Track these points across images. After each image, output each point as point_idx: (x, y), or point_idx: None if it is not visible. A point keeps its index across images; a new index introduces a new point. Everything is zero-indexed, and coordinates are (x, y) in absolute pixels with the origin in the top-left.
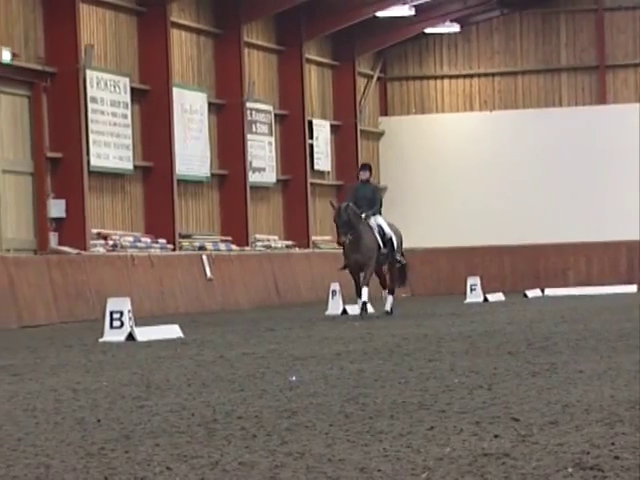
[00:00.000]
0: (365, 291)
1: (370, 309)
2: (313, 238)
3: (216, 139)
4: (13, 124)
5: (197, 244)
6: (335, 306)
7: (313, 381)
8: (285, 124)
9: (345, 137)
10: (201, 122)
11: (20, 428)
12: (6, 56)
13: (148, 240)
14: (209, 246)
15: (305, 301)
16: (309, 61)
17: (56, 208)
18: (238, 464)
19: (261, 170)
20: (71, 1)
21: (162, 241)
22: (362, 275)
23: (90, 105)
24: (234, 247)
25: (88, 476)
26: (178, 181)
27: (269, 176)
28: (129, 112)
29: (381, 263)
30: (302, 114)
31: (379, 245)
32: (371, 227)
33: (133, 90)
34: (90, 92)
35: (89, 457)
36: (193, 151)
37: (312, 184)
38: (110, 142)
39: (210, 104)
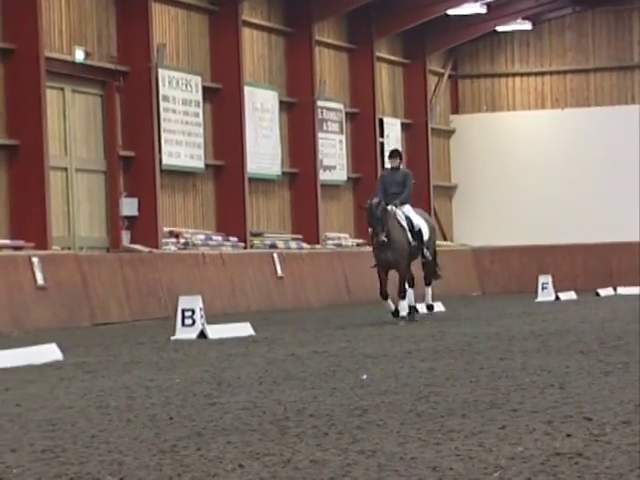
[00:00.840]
0: (411, 293)
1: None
2: None
3: (287, 137)
4: (86, 123)
5: (268, 242)
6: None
7: (384, 379)
8: (356, 122)
9: (416, 135)
10: (272, 120)
11: (94, 425)
12: (79, 55)
13: (219, 238)
14: (280, 244)
15: (375, 299)
16: (380, 59)
17: (128, 206)
18: (310, 462)
19: (332, 168)
20: (144, 0)
21: (233, 239)
22: (397, 276)
23: (162, 104)
24: (305, 245)
25: (161, 473)
26: (249, 179)
27: (340, 174)
28: (201, 111)
29: (412, 257)
30: (373, 112)
31: (409, 240)
32: (399, 221)
33: (205, 89)
34: (162, 91)
35: (162, 454)
36: (264, 149)
37: None
38: (182, 141)
39: (281, 102)
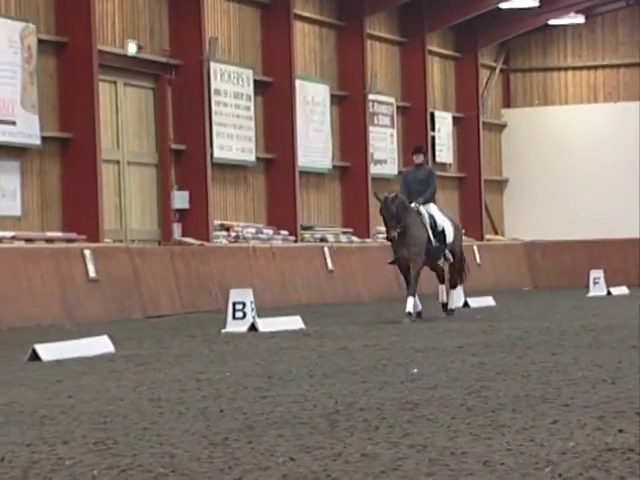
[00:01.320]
0: (410, 302)
1: (417, 309)
2: None
3: (338, 131)
4: (138, 116)
5: (318, 236)
6: (456, 298)
7: (435, 373)
8: (407, 116)
9: (467, 129)
10: (323, 114)
11: (145, 417)
12: (132, 48)
13: (270, 232)
14: (330, 238)
15: (425, 293)
16: (431, 53)
17: (180, 199)
18: (361, 455)
19: (382, 162)
20: None
21: (284, 232)
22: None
23: (214, 97)
24: (355, 239)
25: (212, 466)
26: (300, 173)
27: (390, 168)
28: (252, 104)
29: (434, 258)
30: (424, 106)
31: (429, 238)
32: (421, 218)
33: (256, 82)
34: (214, 84)
35: (213, 447)
36: (315, 143)
37: None
38: (233, 134)
39: (332, 96)
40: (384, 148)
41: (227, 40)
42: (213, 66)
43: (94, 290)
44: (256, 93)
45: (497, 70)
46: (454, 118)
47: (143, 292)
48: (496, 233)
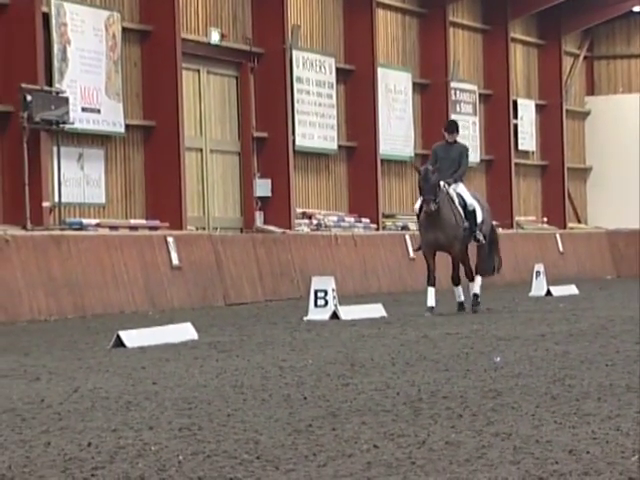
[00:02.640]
0: (460, 290)
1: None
2: (517, 218)
3: (420, 119)
4: (221, 104)
5: (400, 224)
6: (539, 287)
7: (517, 362)
8: (489, 104)
9: (550, 117)
10: (405, 102)
11: (229, 404)
12: (215, 37)
13: (352, 219)
14: (412, 226)
15: (508, 282)
16: (514, 40)
17: (262, 187)
18: (445, 443)
19: None
20: None
21: (365, 220)
22: (451, 260)
23: (296, 85)
24: None
25: (296, 452)
26: (382, 161)
27: (472, 156)
28: (334, 92)
29: (465, 241)
30: (507, 94)
31: (462, 220)
32: (451, 198)
33: (338, 70)
34: (296, 72)
35: (297, 433)
36: (397, 131)
37: (516, 164)
38: (315, 122)
39: (414, 84)
40: (466, 136)
41: (309, 28)
42: (295, 54)
43: (177, 277)
44: (338, 81)
45: (581, 57)
46: (537, 106)
47: (225, 279)
48: (579, 221)
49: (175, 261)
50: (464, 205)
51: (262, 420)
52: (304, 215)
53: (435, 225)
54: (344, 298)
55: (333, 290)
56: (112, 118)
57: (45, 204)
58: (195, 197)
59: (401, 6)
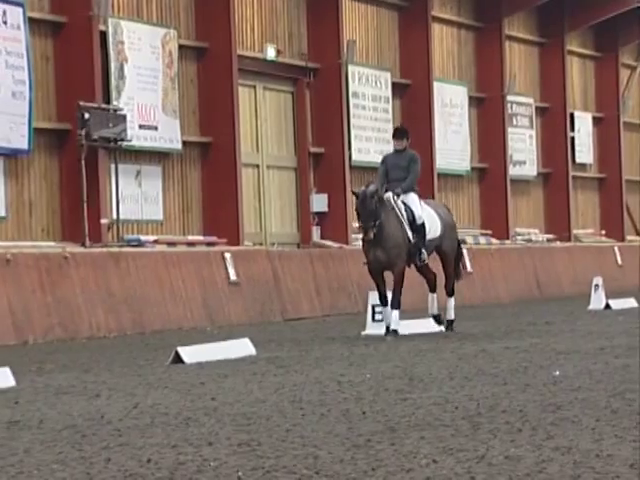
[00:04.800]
0: (396, 315)
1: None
2: (575, 231)
3: (476, 133)
4: (277, 120)
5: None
6: (598, 300)
7: (577, 376)
8: (546, 117)
9: (608, 129)
10: (461, 116)
11: (288, 419)
12: (271, 53)
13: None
14: (469, 240)
15: (567, 295)
16: (571, 53)
17: (318, 202)
18: (504, 458)
19: (522, 163)
20: None
21: None
22: (386, 280)
23: (352, 100)
24: (494, 241)
25: (356, 467)
26: (438, 175)
27: (530, 169)
28: (390, 107)
29: (412, 257)
30: (563, 106)
31: (407, 237)
32: (397, 212)
33: (394, 85)
34: (352, 87)
35: (355, 448)
36: (453, 145)
37: (573, 177)
38: (371, 137)
39: (470, 98)
40: (523, 149)
41: (365, 43)
42: (351, 69)
43: (235, 293)
44: (394, 95)
45: (638, 69)
46: (594, 118)
47: (283, 295)
48: (638, 234)
49: (233, 277)
50: (412, 219)
51: (321, 435)
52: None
53: (377, 243)
54: (402, 312)
55: None
56: (169, 135)
57: (103, 221)
58: (252, 213)
59: (457, 20)
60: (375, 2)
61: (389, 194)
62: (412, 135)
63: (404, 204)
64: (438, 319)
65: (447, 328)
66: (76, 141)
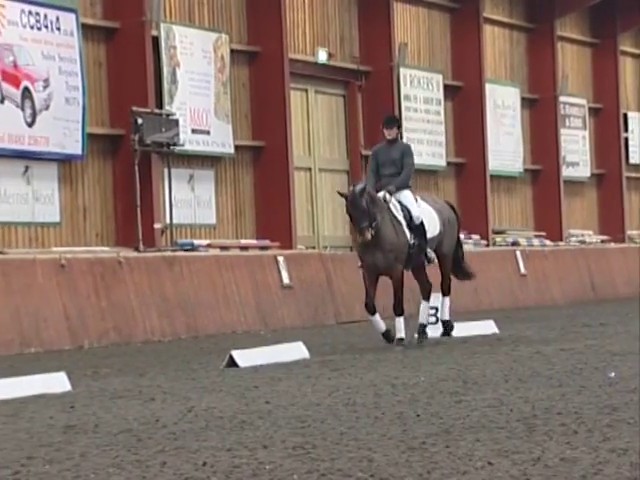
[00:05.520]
0: (400, 323)
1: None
2: (629, 232)
3: (529, 134)
4: (329, 123)
5: (510, 240)
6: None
7: (633, 377)
8: (599, 117)
9: None
10: (513, 117)
11: (342, 422)
12: (322, 56)
13: (461, 236)
14: (522, 242)
15: (621, 296)
16: (624, 53)
17: None
18: (560, 460)
19: (575, 164)
20: (385, 0)
21: (475, 237)
22: (384, 286)
23: (404, 103)
24: (548, 242)
25: (410, 470)
26: (491, 177)
27: (583, 170)
28: (442, 109)
29: (413, 261)
30: (617, 107)
31: (406, 239)
32: (393, 212)
33: (446, 87)
34: (404, 90)
35: (410, 451)
36: (506, 146)
37: (627, 178)
38: (423, 139)
39: (523, 99)
40: (576, 150)
41: (416, 45)
42: (403, 72)
43: (288, 297)
44: (446, 97)
45: None
46: None
47: (336, 298)
48: None
49: (286, 280)
50: (409, 218)
51: (375, 438)
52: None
53: (373, 247)
54: (455, 315)
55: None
56: (221, 139)
57: (157, 225)
58: (305, 216)
59: (509, 21)
60: (427, 4)
61: (382, 193)
62: (464, 137)
63: (400, 203)
64: (448, 326)
65: (445, 329)
66: (129, 146)
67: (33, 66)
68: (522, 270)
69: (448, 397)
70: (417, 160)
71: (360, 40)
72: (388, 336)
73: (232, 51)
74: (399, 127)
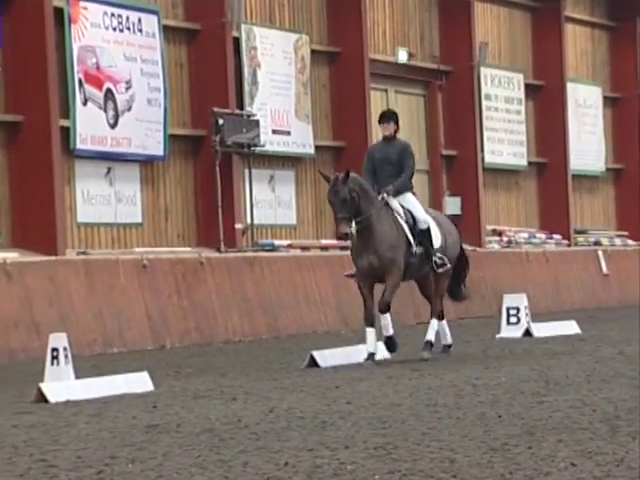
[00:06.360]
0: (388, 319)
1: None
2: None
3: (611, 133)
4: (409, 123)
5: (592, 239)
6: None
7: None
8: None
9: None
10: (596, 116)
11: (423, 423)
12: (402, 56)
13: (543, 236)
14: (604, 241)
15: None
16: None
17: (452, 205)
18: None
19: None
20: (466, 0)
21: (557, 237)
22: (380, 290)
23: (484, 102)
24: (630, 242)
25: (493, 471)
26: (573, 176)
27: None
28: (523, 108)
29: (416, 270)
30: None
31: (408, 240)
32: (392, 211)
33: (527, 86)
34: (484, 89)
35: (492, 452)
36: (587, 146)
37: None
38: (504, 139)
39: (605, 98)
40: None
41: (497, 45)
42: (483, 71)
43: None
44: (527, 97)
45: None
46: None
47: (416, 298)
48: None
49: None
50: (413, 222)
51: (457, 439)
52: (494, 232)
53: (367, 247)
54: (536, 315)
55: (525, 307)
56: (302, 140)
57: (238, 226)
58: None
59: (590, 20)
60: (507, 4)
61: (382, 194)
62: (546, 137)
63: (401, 207)
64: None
65: (443, 350)
66: (210, 147)
67: (115, 68)
68: (604, 270)
69: (530, 398)
70: (498, 159)
71: (440, 40)
72: (372, 357)
73: (312, 51)
74: (397, 122)
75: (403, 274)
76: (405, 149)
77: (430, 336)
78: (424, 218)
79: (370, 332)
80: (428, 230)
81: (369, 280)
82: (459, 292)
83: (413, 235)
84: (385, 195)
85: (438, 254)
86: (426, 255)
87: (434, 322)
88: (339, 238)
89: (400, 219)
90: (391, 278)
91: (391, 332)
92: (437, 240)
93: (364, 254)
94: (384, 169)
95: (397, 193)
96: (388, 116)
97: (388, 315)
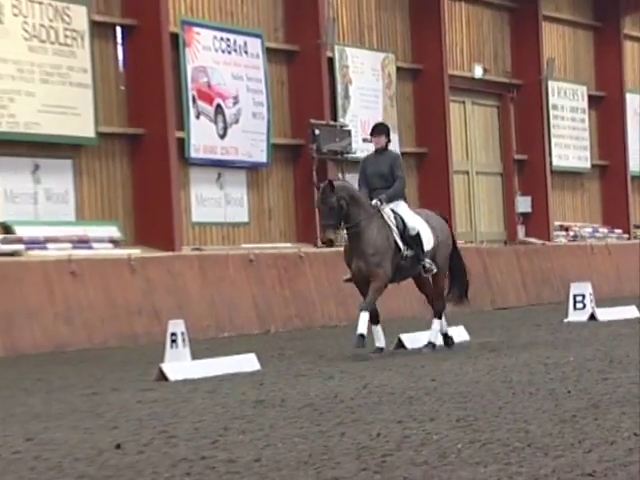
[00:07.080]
0: (365, 318)
1: (380, 343)
2: None
3: None
4: (484, 131)
5: None
6: (378, 329)
7: None
8: None
9: None
10: None
11: (500, 397)
12: (478, 72)
13: (605, 230)
14: None
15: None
16: None
17: (523, 204)
18: None
19: None
20: (535, 20)
21: (618, 231)
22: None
23: (551, 112)
24: None
25: (563, 440)
26: (632, 177)
27: None
28: (586, 117)
29: (407, 273)
30: None
31: (397, 245)
32: (382, 217)
33: (590, 97)
34: (551, 100)
35: (562, 423)
36: None
37: None
38: (570, 144)
39: None
40: None
41: (563, 60)
42: (551, 84)
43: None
44: (590, 107)
45: None
46: None
47: (492, 287)
48: None
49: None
50: (403, 228)
51: (530, 411)
52: (562, 228)
53: (357, 252)
54: (600, 301)
55: (590, 294)
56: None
57: None
58: (463, 214)
59: None
60: (572, 23)
61: (374, 201)
62: (607, 142)
63: (393, 212)
64: (450, 339)
65: (427, 346)
66: (308, 154)
67: (224, 85)
68: None
69: (595, 375)
70: (564, 163)
71: (512, 56)
72: (361, 342)
73: (398, 69)
74: (388, 135)
75: (395, 275)
76: (395, 160)
77: (432, 338)
78: (413, 225)
79: (375, 331)
80: (418, 235)
81: (362, 283)
82: (458, 300)
83: (404, 239)
84: (378, 202)
85: (427, 259)
86: (417, 258)
87: (435, 323)
88: (324, 243)
89: (391, 224)
90: (375, 282)
91: (365, 331)
92: (429, 243)
93: (354, 259)
94: (376, 180)
95: (390, 200)
96: (379, 129)
97: (364, 314)
